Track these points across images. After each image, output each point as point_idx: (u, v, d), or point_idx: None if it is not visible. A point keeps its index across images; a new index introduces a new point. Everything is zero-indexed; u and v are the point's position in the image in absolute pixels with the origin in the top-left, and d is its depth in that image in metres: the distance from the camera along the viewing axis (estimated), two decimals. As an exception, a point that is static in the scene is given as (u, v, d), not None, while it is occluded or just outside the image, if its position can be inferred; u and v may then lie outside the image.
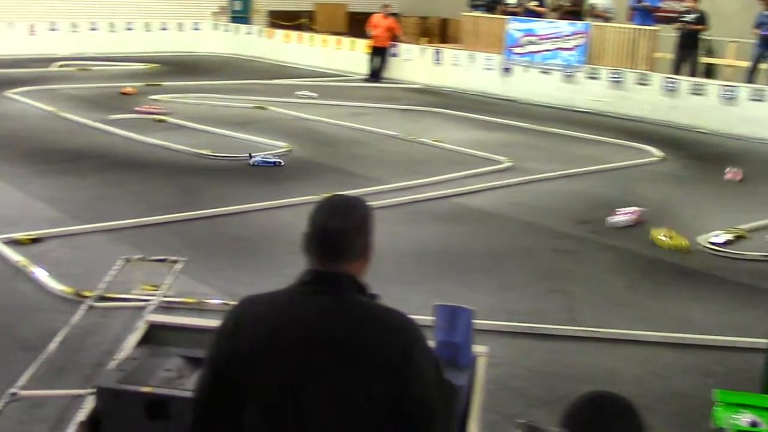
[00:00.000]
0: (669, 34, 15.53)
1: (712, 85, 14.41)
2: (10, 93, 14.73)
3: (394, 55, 18.99)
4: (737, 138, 13.35)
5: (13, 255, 6.77)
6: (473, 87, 17.35)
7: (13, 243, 7.05)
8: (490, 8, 18.60)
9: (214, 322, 2.44)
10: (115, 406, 2.85)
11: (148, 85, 16.31)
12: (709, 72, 16.04)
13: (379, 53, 18.69)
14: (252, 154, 10.38)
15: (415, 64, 18.77)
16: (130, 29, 22.51)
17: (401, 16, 20.97)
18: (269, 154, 10.58)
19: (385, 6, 18.65)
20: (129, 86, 15.74)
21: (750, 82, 14.31)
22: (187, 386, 2.79)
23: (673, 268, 7.24)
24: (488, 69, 17.34)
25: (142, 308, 5.44)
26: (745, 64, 14.73)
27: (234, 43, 23.18)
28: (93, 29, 22.01)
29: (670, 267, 7.28)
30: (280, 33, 22.27)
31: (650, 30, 15.61)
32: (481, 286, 6.59)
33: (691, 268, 7.27)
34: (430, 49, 18.86)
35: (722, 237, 7.90)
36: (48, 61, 19.39)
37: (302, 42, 21.55)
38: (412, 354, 2.15)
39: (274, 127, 12.70)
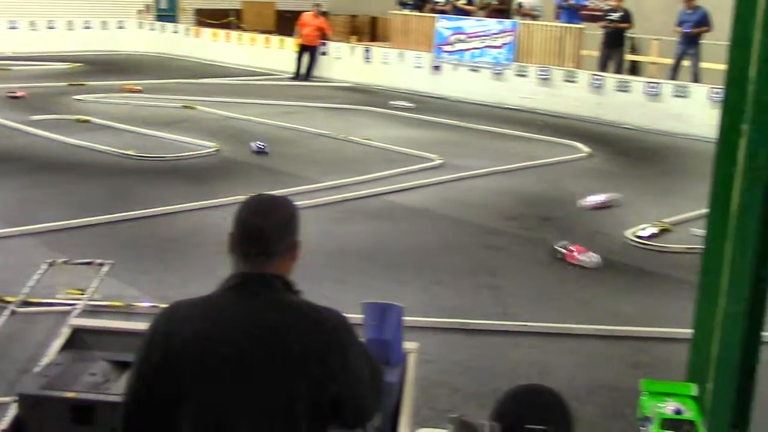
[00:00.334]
0: (595, 32, 15.81)
1: (637, 82, 14.70)
2: (-75, 94, 14.25)
3: (324, 53, 18.92)
4: (662, 133, 13.64)
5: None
6: (403, 85, 17.39)
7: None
8: (418, 6, 18.68)
9: (140, 325, 2.38)
10: (38, 413, 2.76)
11: (71, 85, 15.94)
12: (634, 69, 16.38)
13: (309, 52, 18.59)
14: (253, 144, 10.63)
15: (345, 62, 18.73)
16: (51, 28, 21.98)
17: (330, 14, 20.91)
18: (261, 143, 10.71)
19: (316, 5, 18.57)
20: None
21: (673, 78, 14.64)
22: (113, 391, 2.73)
23: (602, 262, 7.34)
24: (418, 67, 17.40)
25: (67, 313, 5.28)
26: (668, 61, 15.07)
27: (160, 42, 22.82)
28: (12, 28, 21.43)
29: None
30: (207, 31, 22.00)
31: (577, 28, 15.86)
32: (413, 282, 6.59)
33: (618, 261, 7.39)
34: (359, 48, 18.85)
35: (648, 230, 8.05)
36: (-35, 61, 18.83)
37: (230, 40, 21.32)
38: (346, 351, 2.16)
39: (203, 127, 12.53)
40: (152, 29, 23.28)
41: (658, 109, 14.12)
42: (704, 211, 3.15)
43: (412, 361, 2.97)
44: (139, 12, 23.63)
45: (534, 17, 16.91)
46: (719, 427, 2.67)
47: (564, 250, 7.29)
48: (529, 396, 2.63)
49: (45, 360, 3.35)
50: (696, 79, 14.36)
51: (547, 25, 16.29)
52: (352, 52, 18.82)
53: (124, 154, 10.44)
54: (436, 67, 17.11)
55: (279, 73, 19.27)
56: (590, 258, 7.21)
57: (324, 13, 19.46)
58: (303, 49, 18.53)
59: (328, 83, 18.30)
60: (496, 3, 17.50)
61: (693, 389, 2.60)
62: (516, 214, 8.67)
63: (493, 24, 16.52)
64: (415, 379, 4.83)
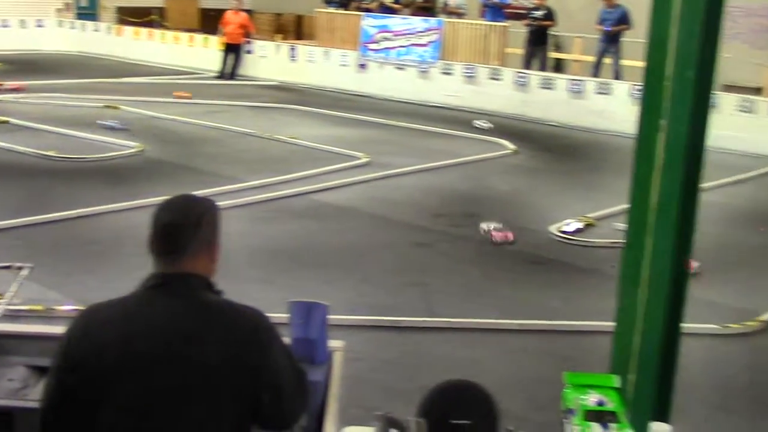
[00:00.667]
0: (519, 30, 15.99)
1: (561, 80, 14.93)
2: None
3: (249, 52, 18.72)
4: (585, 130, 13.88)
5: None
6: (329, 83, 17.33)
7: None
8: (344, 5, 18.64)
9: (60, 329, 2.32)
10: (-46, 422, 2.66)
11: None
12: (558, 67, 16.63)
13: (233, 50, 18.37)
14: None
15: (270, 61, 18.57)
16: (-34, 25, 21.30)
17: (255, 12, 20.71)
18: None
19: (238, 1, 18.36)
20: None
21: (595, 76, 14.91)
22: (33, 397, 2.67)
23: (527, 257, 7.43)
24: (344, 65, 17.36)
25: (-18, 319, 5.10)
26: (591, 58, 15.33)
27: (81, 41, 22.27)
28: (-73, 26, 20.69)
29: (524, 256, 7.46)
30: (129, 30, 21.55)
31: (501, 26, 16.03)
32: (340, 281, 6.57)
33: (544, 256, 7.48)
34: (285, 46, 18.71)
35: (573, 226, 8.17)
36: None
37: (153, 39, 20.94)
38: (267, 352, 2.14)
39: (126, 127, 12.27)
40: (72, 28, 22.71)
41: (582, 106, 14.37)
42: (626, 205, 3.20)
43: (338, 359, 2.94)
44: (59, 10, 23.03)
45: (459, 15, 17.04)
46: (641, 418, 2.70)
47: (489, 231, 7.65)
48: (454, 391, 2.63)
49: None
50: (617, 76, 14.66)
51: (472, 24, 16.42)
52: (277, 50, 18.67)
53: (44, 155, 10.16)
54: (362, 66, 17.10)
55: (204, 72, 19.00)
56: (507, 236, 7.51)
57: (248, 11, 19.27)
58: (228, 47, 18.31)
59: (254, 82, 18.12)
60: (421, 1, 17.58)
61: (615, 381, 2.62)
62: (443, 211, 8.71)
63: (418, 22, 16.58)
64: (343, 378, 4.81)
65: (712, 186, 9.92)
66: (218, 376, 2.05)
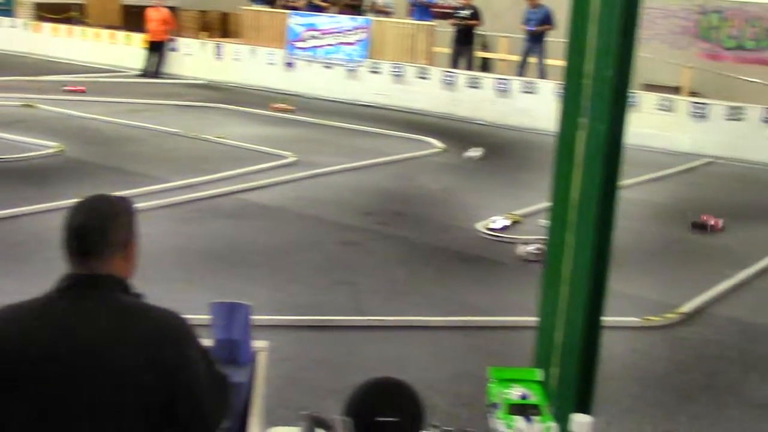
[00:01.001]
0: (446, 29, 16.11)
1: (488, 79, 15.09)
2: None
3: (173, 49, 18.44)
4: (512, 128, 14.06)
5: None
6: (256, 82, 17.19)
7: None
8: (270, 2, 18.50)
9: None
10: None
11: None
12: (485, 66, 16.80)
13: (156, 48, 18.07)
14: None
15: (196, 59, 18.33)
16: None
17: (179, 9, 20.38)
18: None
19: None
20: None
21: (521, 75, 15.11)
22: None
23: (455, 255, 7.49)
24: (271, 64, 17.25)
25: None
26: (517, 58, 15.53)
27: (-3, 38, 21.64)
28: None
29: (451, 253, 7.52)
30: (47, 26, 21.02)
31: (428, 25, 16.12)
32: (267, 281, 6.52)
33: (471, 253, 7.55)
34: (210, 44, 18.48)
35: (499, 223, 8.27)
36: None
37: (73, 36, 20.47)
38: (184, 355, 2.09)
39: (44, 126, 11.96)
40: (-13, 24, 22.05)
41: (508, 104, 14.56)
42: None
43: (262, 360, 2.91)
44: (-28, 6, 22.33)
45: (387, 14, 17.08)
46: (564, 410, 2.75)
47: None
48: (380, 388, 2.63)
49: None
50: (542, 75, 14.88)
51: (399, 23, 16.49)
52: (202, 48, 18.43)
53: (-43, 156, 9.83)
54: (290, 64, 17.01)
55: (126, 70, 18.64)
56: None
57: (172, 9, 18.97)
58: (151, 45, 18.00)
59: (179, 80, 17.85)
60: None
61: (538, 374, 2.66)
62: (371, 210, 8.72)
63: (346, 21, 16.57)
64: (270, 378, 4.77)
65: (632, 183, 10.15)
66: (132, 381, 2.00)
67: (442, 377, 5.14)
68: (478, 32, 16.17)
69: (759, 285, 7.15)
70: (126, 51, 19.18)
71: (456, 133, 13.56)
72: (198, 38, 19.22)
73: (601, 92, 3.01)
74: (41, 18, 21.86)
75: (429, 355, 5.47)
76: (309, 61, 16.79)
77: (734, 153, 12.36)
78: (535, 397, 2.54)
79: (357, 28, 16.28)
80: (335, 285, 6.57)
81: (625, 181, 9.81)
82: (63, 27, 20.76)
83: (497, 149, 12.38)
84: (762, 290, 7.04)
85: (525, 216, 8.54)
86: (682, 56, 15.54)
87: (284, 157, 10.62)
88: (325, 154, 11.04)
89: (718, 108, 12.75)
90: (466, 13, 15.63)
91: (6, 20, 21.88)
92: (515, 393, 2.56)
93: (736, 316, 6.40)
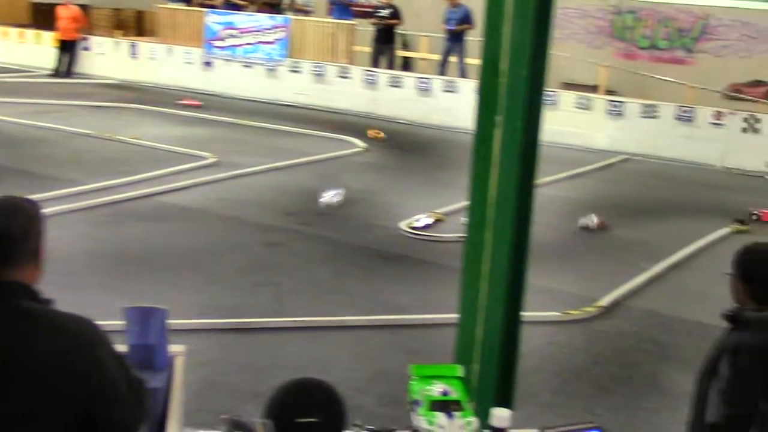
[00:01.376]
0: (367, 28, 16.10)
1: (409, 78, 15.15)
2: None
3: (86, 48, 17.98)
4: (433, 127, 14.14)
5: None
6: (173, 81, 16.89)
7: None
8: (186, 0, 18.20)
9: None
10: None
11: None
12: (406, 65, 16.85)
13: (68, 47, 17.57)
14: None
15: (109, 58, 17.91)
16: None
17: (92, 7, 19.87)
18: None
19: None
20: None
21: (442, 74, 15.20)
22: None
23: (378, 254, 7.49)
24: (188, 63, 16.97)
25: None
26: (438, 57, 15.62)
27: None
28: None
29: (374, 253, 7.52)
30: (-50, 25, 20.26)
31: (348, 24, 16.10)
32: (188, 284, 6.42)
33: (394, 252, 7.56)
34: (125, 43, 18.08)
35: (422, 221, 8.30)
36: None
37: (-22, 35, 19.79)
38: (97, 362, 2.03)
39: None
40: None
41: (430, 103, 14.64)
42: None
43: (179, 364, 2.85)
44: None
45: (306, 13, 16.99)
46: (485, 405, 2.76)
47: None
48: (300, 389, 2.61)
49: None
50: (463, 74, 14.99)
51: (319, 21, 16.42)
52: (116, 47, 18.02)
53: None
54: (208, 63, 16.78)
55: (36, 70, 18.09)
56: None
57: (84, 7, 18.48)
58: (61, 44, 17.50)
59: (92, 80, 17.41)
60: (267, -3, 17.41)
61: (459, 371, 2.67)
62: (293, 210, 8.66)
63: (265, 19, 16.42)
64: (190, 383, 4.68)
65: (551, 180, 10.33)
66: (44, 389, 1.93)
67: (366, 376, 5.14)
68: (399, 31, 16.22)
69: (674, 278, 7.35)
70: (36, 50, 18.63)
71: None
72: (112, 37, 18.78)
73: (516, 90, 3.04)
74: (-55, 16, 21.05)
75: (352, 355, 5.45)
76: (228, 60, 16.58)
77: (649, 150, 12.68)
78: (456, 393, 2.55)
79: (276, 27, 16.15)
80: (257, 286, 6.50)
81: (543, 179, 10.02)
82: (-32, 25, 20.04)
83: (419, 148, 12.44)
84: (677, 283, 7.24)
85: (447, 214, 8.59)
86: (599, 55, 15.89)
87: (204, 158, 10.47)
88: (245, 155, 10.92)
89: (633, 106, 13.06)
90: (385, 12, 15.65)
91: None
92: (436, 390, 2.56)
93: (652, 309, 6.56)
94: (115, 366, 2.09)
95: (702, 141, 12.43)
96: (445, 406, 2.51)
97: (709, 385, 3.02)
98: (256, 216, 8.37)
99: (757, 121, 12.15)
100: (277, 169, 10.41)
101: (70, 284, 5.52)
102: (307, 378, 2.73)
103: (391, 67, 15.83)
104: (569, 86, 14.72)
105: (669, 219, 9.21)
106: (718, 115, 12.38)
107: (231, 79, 16.47)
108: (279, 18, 16.47)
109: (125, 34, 19.17)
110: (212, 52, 16.71)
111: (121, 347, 2.60)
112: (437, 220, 8.41)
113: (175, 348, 2.91)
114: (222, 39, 16.59)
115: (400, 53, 16.64)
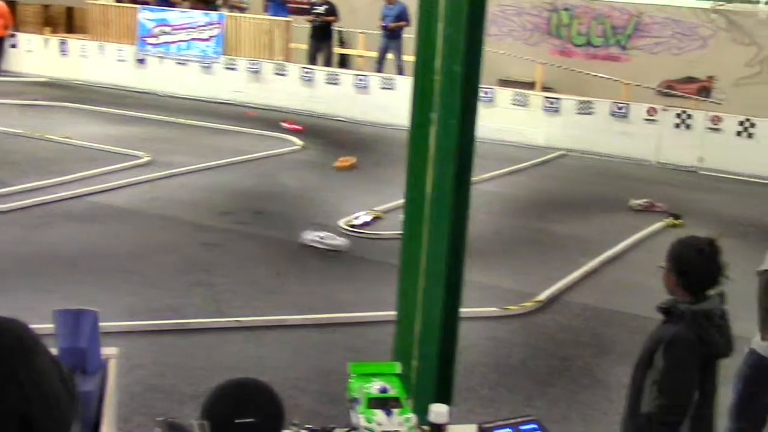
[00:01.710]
0: (304, 25, 16.00)
1: (347, 75, 15.10)
2: None
3: (13, 45, 17.51)
4: (371, 124, 14.12)
5: None
6: (106, 79, 16.57)
7: None
8: (118, -4, 17.86)
9: None
10: None
11: None
12: (343, 62, 16.79)
13: (-6, 44, 17.10)
14: None
15: (38, 55, 17.47)
16: None
17: (18, 3, 19.35)
18: None
19: None
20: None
21: (379, 71, 15.20)
22: None
23: (317, 252, 7.44)
24: (121, 60, 16.65)
25: None
26: (375, 54, 15.61)
27: None
28: None
29: (313, 251, 7.46)
30: None
31: (284, 21, 15.98)
32: (122, 285, 6.29)
33: (332, 250, 7.51)
34: (54, 40, 17.64)
35: (361, 219, 8.28)
36: None
37: None
38: (30, 363, 1.94)
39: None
40: None
41: (367, 101, 14.61)
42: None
43: (112, 367, 2.77)
44: None
45: (241, 10, 16.81)
46: (424, 401, 2.75)
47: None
48: (236, 390, 2.57)
49: None
50: (401, 71, 15.00)
51: (255, 18, 16.26)
52: (46, 44, 17.59)
53: None
54: (141, 61, 16.49)
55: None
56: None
57: (11, 2, 17.99)
58: (-12, 41, 17.02)
59: (20, 78, 16.94)
60: (201, -6, 17.17)
61: (397, 368, 2.65)
62: (229, 209, 8.55)
63: (199, 16, 16.20)
64: (126, 386, 4.61)
65: (489, 176, 10.41)
66: None
67: (306, 375, 5.10)
68: (336, 28, 16.16)
69: (610, 272, 7.46)
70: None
71: (315, 129, 13.50)
72: (41, 34, 18.32)
73: (450, 88, 3.04)
74: None
75: (292, 354, 5.41)
76: (161, 57, 16.32)
77: (585, 146, 12.87)
78: (394, 390, 2.53)
79: (210, 24, 15.95)
80: (193, 287, 6.40)
81: (481, 175, 10.09)
82: None
83: (357, 145, 12.41)
84: (613, 277, 7.35)
85: (386, 212, 8.59)
86: (535, 52, 16.06)
87: (138, 157, 10.28)
88: (180, 154, 10.76)
89: (569, 103, 13.24)
90: (322, 9, 15.57)
91: None
92: (375, 387, 2.54)
93: (588, 302, 6.65)
94: (49, 368, 2.02)
95: (636, 137, 12.65)
96: (383, 403, 2.50)
97: (645, 376, 3.07)
98: (192, 216, 8.25)
99: (690, 117, 12.41)
100: (213, 168, 10.27)
101: (0, 288, 5.38)
102: (244, 378, 2.70)
103: (328, 64, 15.76)
104: (506, 83, 14.85)
105: (605, 214, 9.35)
106: (652, 111, 12.61)
107: (165, 76, 16.22)
108: (214, 15, 16.27)
109: (55, 31, 18.72)
110: (145, 50, 16.42)
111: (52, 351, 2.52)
112: (376, 218, 8.40)
113: (108, 351, 2.84)
114: (155, 36, 16.31)
115: (337, 50, 16.59)
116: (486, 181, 10.16)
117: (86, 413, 2.49)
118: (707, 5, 15.47)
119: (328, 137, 12.95)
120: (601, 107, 12.95)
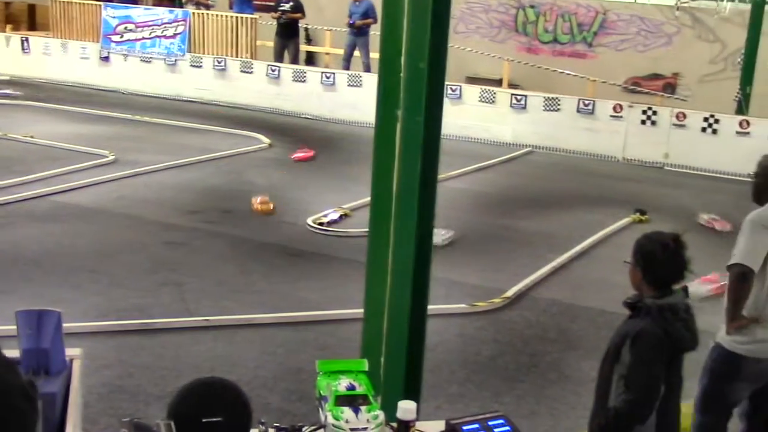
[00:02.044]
0: (270, 22, 15.92)
1: (313, 72, 15.04)
2: None
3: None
4: (339, 122, 14.09)
5: None
6: (69, 77, 16.36)
7: None
8: (82, -8, 17.65)
9: None
10: None
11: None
12: (310, 59, 16.72)
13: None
14: None
15: (0, 53, 17.21)
16: None
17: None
18: None
19: None
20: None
21: (347, 69, 15.16)
22: None
23: (284, 250, 7.42)
24: (84, 58, 16.44)
25: None
26: (342, 51, 15.57)
27: None
28: None
29: (281, 249, 7.44)
30: None
31: (250, 18, 15.87)
32: (88, 285, 6.23)
33: (300, 248, 7.50)
34: (16, 37, 17.37)
35: (329, 217, 8.26)
36: None
37: None
38: None
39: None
40: None
41: (335, 98, 14.56)
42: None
43: (77, 368, 2.74)
44: None
45: (207, 7, 16.68)
46: (393, 397, 2.75)
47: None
48: (202, 389, 2.56)
49: None
50: (368, 69, 14.98)
51: (220, 15, 16.14)
52: (7, 42, 17.32)
53: None
54: (105, 58, 16.29)
55: None
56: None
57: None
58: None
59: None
60: (165, -9, 17.02)
61: (364, 365, 2.65)
62: (196, 208, 8.49)
63: (163, 13, 16.04)
64: (92, 386, 4.57)
65: (457, 173, 10.44)
66: None
67: (274, 374, 5.09)
68: (303, 25, 16.08)
69: (577, 267, 7.51)
70: None
71: (282, 127, 13.45)
72: (2, 31, 18.04)
73: (415, 84, 3.04)
74: None
75: (259, 353, 5.38)
76: (125, 55, 16.14)
77: (552, 142, 12.94)
78: (362, 388, 2.53)
79: (175, 21, 15.80)
80: (160, 286, 6.35)
81: (449, 172, 10.10)
82: None
83: (325, 143, 12.38)
84: (580, 272, 7.40)
85: (354, 209, 8.57)
86: (502, 50, 16.12)
87: (102, 156, 10.17)
88: (146, 152, 10.66)
89: (536, 99, 13.29)
90: (288, 6, 15.50)
91: None
92: (342, 384, 2.54)
93: (556, 298, 6.69)
94: (10, 372, 1.98)
95: (603, 133, 12.74)
96: (351, 400, 2.49)
97: (612, 371, 3.09)
98: (158, 215, 8.18)
99: (655, 113, 12.51)
100: (179, 166, 10.19)
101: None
102: (210, 377, 2.68)
103: (295, 61, 15.69)
104: (474, 80, 14.89)
105: (572, 210, 9.41)
106: (618, 108, 12.71)
107: (129, 74, 16.03)
108: (178, 12, 16.13)
109: (16, 29, 18.46)
110: (109, 47, 16.22)
111: (12, 353, 2.49)
112: (344, 215, 8.38)
113: (73, 351, 2.81)
114: (119, 33, 16.13)
115: (304, 48, 16.52)
116: (453, 178, 10.18)
117: (50, 415, 2.46)
118: (672, 2, 15.63)
119: (295, 135, 12.88)
120: (567, 104, 13.03)
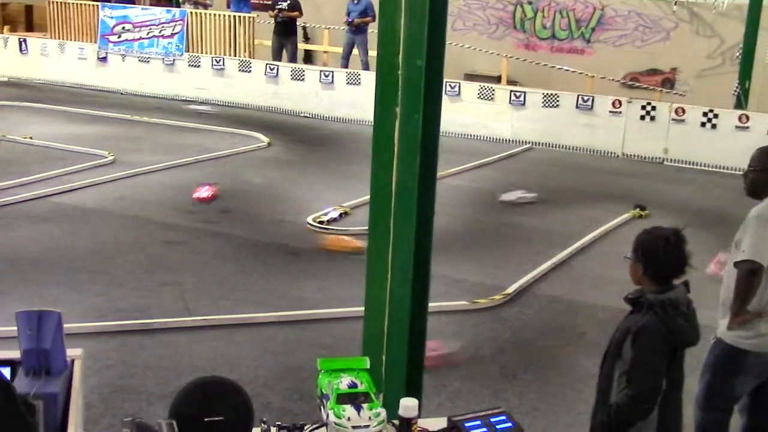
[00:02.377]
0: (268, 21, 15.91)
1: (312, 71, 15.02)
2: None
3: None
4: (337, 120, 14.08)
5: None
6: (67, 78, 16.35)
7: None
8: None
9: None
10: None
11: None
12: (308, 58, 16.70)
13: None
14: None
15: (-3, 54, 17.22)
16: None
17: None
18: None
19: None
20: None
21: (345, 67, 15.15)
22: None
23: (284, 249, 7.41)
24: (82, 59, 16.43)
25: None
26: (340, 50, 15.55)
27: None
28: None
29: (280, 248, 7.43)
30: None
31: (248, 17, 15.86)
32: (88, 286, 6.23)
33: (300, 247, 7.49)
34: (14, 38, 17.36)
35: (329, 215, 8.26)
36: None
37: None
38: None
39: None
40: None
41: (334, 97, 14.55)
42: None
43: (77, 368, 2.73)
44: None
45: (205, 6, 16.67)
46: (394, 395, 2.75)
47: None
48: (204, 389, 2.56)
49: None
50: (366, 67, 14.96)
51: (218, 14, 16.13)
52: (4, 43, 17.31)
53: None
54: (103, 59, 16.28)
55: None
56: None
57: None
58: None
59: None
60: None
61: (365, 363, 2.65)
62: (195, 208, 8.48)
63: (160, 13, 16.02)
64: (94, 387, 4.57)
65: (457, 171, 10.44)
66: None
67: (275, 373, 5.09)
68: (301, 24, 16.07)
69: (577, 263, 7.50)
70: None
71: (280, 126, 13.45)
72: (0, 33, 18.04)
73: (413, 82, 3.03)
74: None
75: (261, 352, 5.38)
76: (123, 55, 16.12)
77: (551, 139, 12.93)
78: (363, 385, 2.53)
79: (173, 21, 15.79)
80: (161, 286, 6.35)
81: (448, 169, 10.08)
82: None
83: (324, 141, 12.38)
84: (580, 268, 7.39)
85: (354, 207, 8.56)
86: (500, 46, 16.11)
87: (101, 157, 10.17)
88: (145, 153, 10.66)
89: (535, 96, 13.28)
90: (285, 4, 15.48)
91: None
92: (344, 382, 2.54)
93: (557, 294, 6.69)
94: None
95: (602, 129, 12.73)
96: (352, 398, 2.50)
97: (614, 366, 3.08)
98: (158, 215, 8.17)
99: (654, 108, 12.51)
100: (178, 166, 10.19)
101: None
102: (212, 377, 2.69)
103: (293, 60, 15.68)
104: (472, 77, 14.87)
105: (571, 206, 9.41)
106: (617, 103, 12.70)
107: (127, 74, 16.03)
108: (176, 11, 16.11)
109: (14, 30, 18.45)
110: (107, 48, 16.21)
111: (14, 353, 2.49)
112: (344, 214, 8.38)
113: (73, 352, 2.81)
114: (116, 34, 16.11)
115: (302, 46, 16.49)
116: (453, 176, 10.18)
117: (51, 415, 2.46)
118: (669, -3, 15.64)
119: (293, 134, 12.89)
120: (566, 100, 13.02)
